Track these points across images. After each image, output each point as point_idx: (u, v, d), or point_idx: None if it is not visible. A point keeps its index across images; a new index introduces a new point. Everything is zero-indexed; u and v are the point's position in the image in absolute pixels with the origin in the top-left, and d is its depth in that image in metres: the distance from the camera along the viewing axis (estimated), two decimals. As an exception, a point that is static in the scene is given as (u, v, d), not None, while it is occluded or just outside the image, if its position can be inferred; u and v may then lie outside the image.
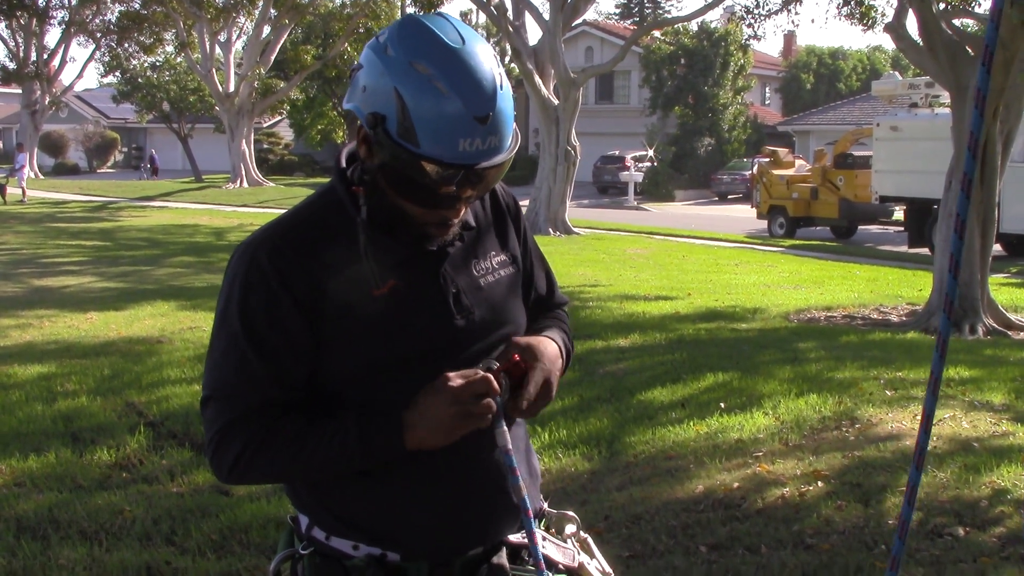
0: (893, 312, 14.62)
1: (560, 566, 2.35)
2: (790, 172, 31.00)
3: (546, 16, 26.84)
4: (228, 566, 5.14)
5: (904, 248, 25.63)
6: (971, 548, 5.30)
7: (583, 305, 14.27)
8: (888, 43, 68.89)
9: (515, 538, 2.32)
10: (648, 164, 48.21)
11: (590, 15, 51.66)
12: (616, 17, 67.87)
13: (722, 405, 8.26)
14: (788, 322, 13.53)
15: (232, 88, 44.94)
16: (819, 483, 6.27)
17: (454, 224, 2.19)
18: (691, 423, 7.68)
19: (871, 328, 13.24)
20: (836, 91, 62.20)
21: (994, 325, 13.09)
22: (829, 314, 14.35)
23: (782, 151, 33.70)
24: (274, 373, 2.12)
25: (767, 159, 32.39)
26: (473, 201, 2.20)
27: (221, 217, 32.49)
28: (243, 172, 45.89)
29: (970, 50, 13.65)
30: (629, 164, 46.78)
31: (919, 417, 7.75)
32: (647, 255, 22.53)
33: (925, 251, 23.86)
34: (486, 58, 2.04)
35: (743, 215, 34.93)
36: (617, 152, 49.63)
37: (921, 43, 14.14)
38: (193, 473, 6.61)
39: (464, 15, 64.85)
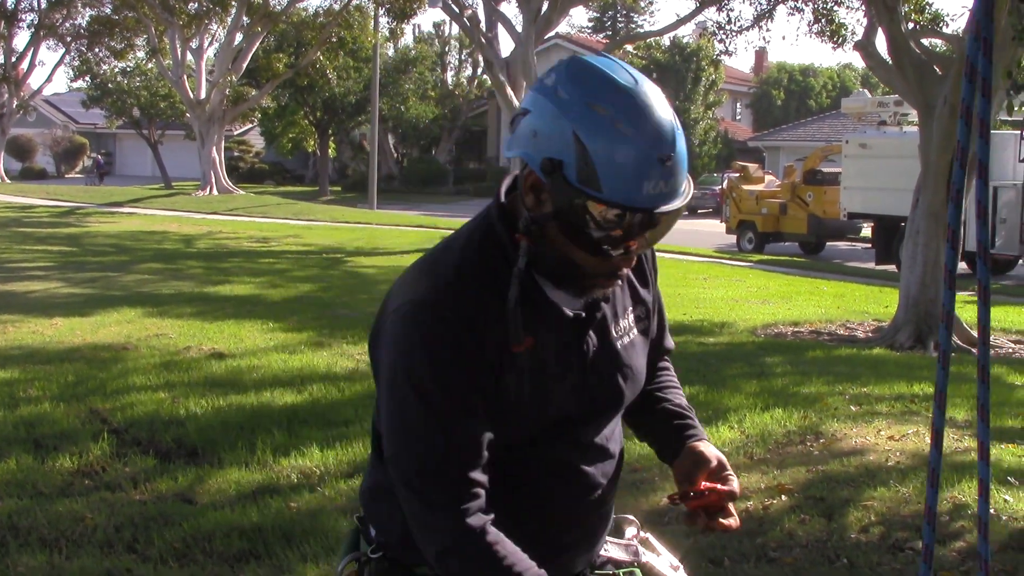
0: (859, 328, 14.71)
1: (630, 562, 2.42)
2: (760, 187, 31.16)
3: (519, 28, 26.88)
4: (190, 575, 5.11)
5: (871, 265, 25.80)
6: (933, 563, 5.32)
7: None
8: (858, 61, 69.32)
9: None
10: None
11: (563, 28, 51.81)
12: (589, 31, 68.08)
13: (688, 418, 8.26)
14: (755, 337, 13.59)
15: (203, 95, 44.73)
16: (783, 497, 6.30)
17: (624, 275, 2.12)
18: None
19: (837, 344, 13.32)
20: (806, 108, 62.61)
21: (958, 342, 13.19)
22: (796, 329, 14.43)
23: (752, 166, 33.88)
24: (479, 430, 2.03)
25: (737, 174, 32.57)
26: (645, 250, 2.14)
27: (190, 224, 32.33)
28: (213, 179, 45.65)
29: (938, 69, 13.78)
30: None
31: (883, 432, 7.81)
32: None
33: (892, 268, 24.01)
34: (661, 98, 1.96)
35: (712, 230, 35.06)
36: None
37: (890, 61, 14.27)
38: (156, 481, 6.57)
39: (437, 26, 65.03)
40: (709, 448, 2.32)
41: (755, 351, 12.27)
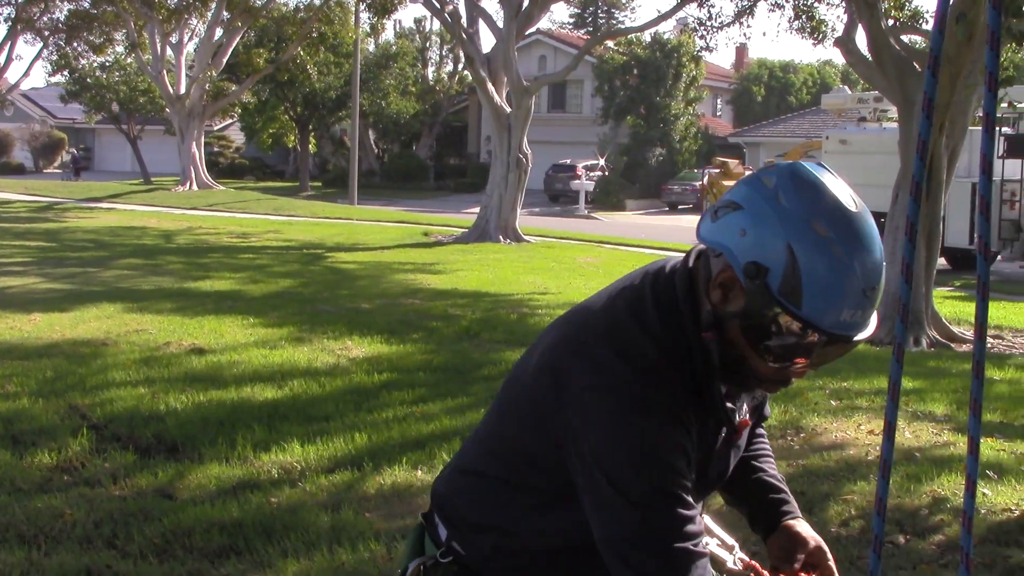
0: (839, 323, 14.74)
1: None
2: (740, 183, 31.23)
3: (500, 24, 26.86)
4: (170, 570, 5.09)
5: (851, 260, 25.86)
6: (911, 556, 5.36)
7: (532, 312, 14.29)
8: (838, 58, 69.56)
9: None
10: (599, 173, 48.41)
11: (544, 24, 51.96)
12: (570, 27, 68.11)
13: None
14: (736, 332, 13.60)
15: (183, 90, 44.55)
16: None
17: (791, 385, 2.12)
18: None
19: (817, 339, 13.33)
20: (787, 104, 62.75)
21: (938, 337, 13.25)
22: (776, 324, 14.44)
23: (732, 162, 33.99)
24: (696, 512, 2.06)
25: (717, 170, 32.66)
26: (817, 368, 2.11)
27: (170, 220, 32.21)
28: (193, 175, 45.47)
29: (917, 66, 13.83)
30: (580, 173, 46.91)
31: (863, 427, 7.84)
32: (597, 264, 22.58)
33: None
34: (875, 230, 1.94)
35: (693, 225, 34.97)
36: (569, 161, 49.76)
37: (870, 58, 14.32)
38: (136, 476, 6.53)
39: (419, 22, 64.88)
40: (807, 529, 2.36)
41: (736, 346, 12.28)
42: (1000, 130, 22.30)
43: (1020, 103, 20.03)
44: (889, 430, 1.94)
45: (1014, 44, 12.27)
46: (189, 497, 6.15)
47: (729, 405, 2.15)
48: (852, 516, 5.95)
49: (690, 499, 2.02)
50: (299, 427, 7.62)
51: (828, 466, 6.87)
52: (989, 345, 13.25)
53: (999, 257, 23.69)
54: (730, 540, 2.47)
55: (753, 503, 2.43)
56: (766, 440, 2.54)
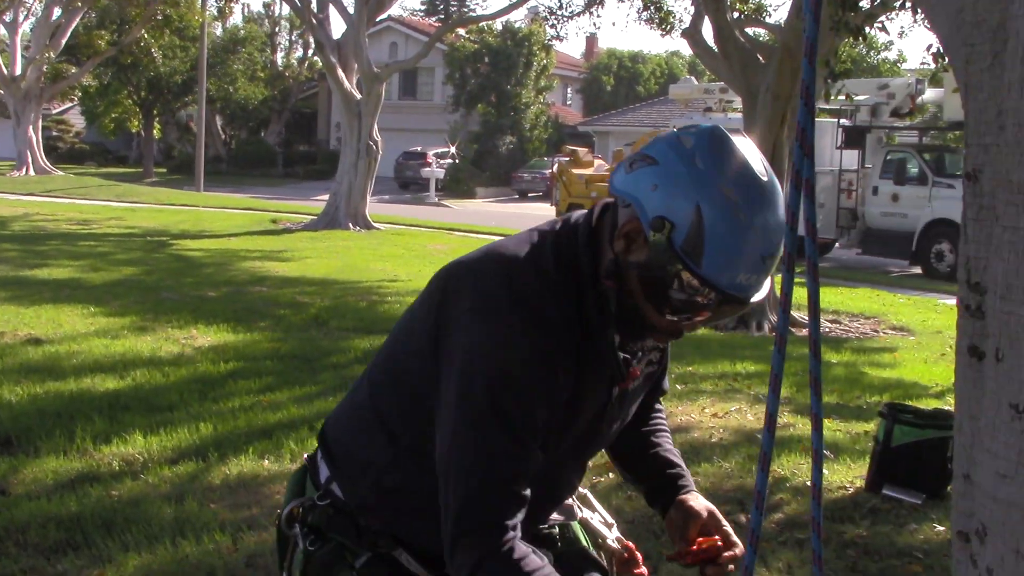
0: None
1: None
2: (589, 171, 31.54)
3: (351, 10, 26.60)
4: (3, 568, 4.90)
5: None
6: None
7: (381, 300, 14.21)
8: (686, 49, 71.04)
9: None
10: (450, 161, 48.38)
11: (395, 11, 51.57)
12: (421, 14, 67.90)
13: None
14: (585, 318, 13.76)
15: (19, 71, 42.99)
16: (610, 475, 6.39)
17: (681, 337, 2.17)
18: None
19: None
20: (635, 94, 63.67)
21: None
22: (624, 311, 14.66)
23: (582, 151, 34.26)
24: (537, 454, 2.07)
25: (567, 158, 32.88)
26: (709, 324, 2.19)
27: (5, 206, 31.03)
28: (30, 159, 43.91)
29: (761, 58, 14.16)
30: (431, 160, 46.84)
31: (707, 410, 8.01)
32: (447, 251, 22.57)
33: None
34: (780, 197, 2.01)
35: (543, 213, 35.35)
36: (419, 148, 49.64)
37: (716, 49, 14.61)
38: (-33, 471, 6.28)
39: (267, 6, 63.95)
40: (700, 501, 2.40)
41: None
42: (838, 122, 23.03)
43: (857, 96, 20.69)
44: (770, 421, 1.99)
45: (851, 38, 12.65)
46: (24, 492, 5.93)
47: (625, 356, 2.19)
48: (697, 497, 6.06)
49: (530, 441, 2.03)
50: (142, 418, 7.42)
51: (674, 449, 6.99)
52: (827, 329, 13.68)
53: (837, 244, 24.47)
54: (610, 518, 2.54)
55: (651, 480, 2.48)
56: (663, 416, 2.59)
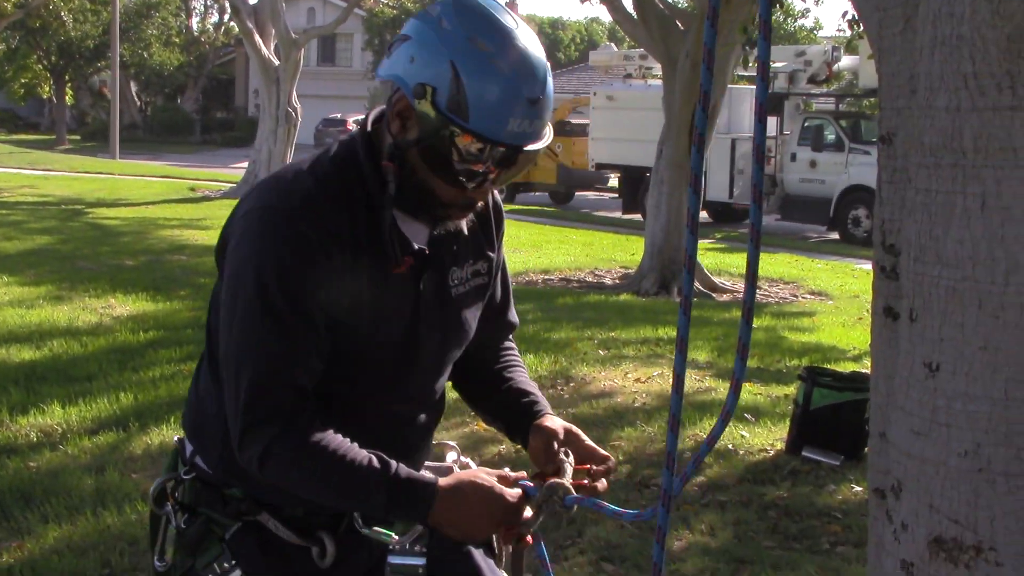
0: (607, 275, 15.15)
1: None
2: (511, 138, 31.55)
3: (267, -27, 26.22)
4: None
5: (618, 214, 26.56)
6: (674, 497, 5.56)
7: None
8: (605, 15, 71.08)
9: None
10: (371, 128, 48.10)
11: (313, -25, 50.96)
12: (339, -22, 67.18)
13: (442, 366, 8.35)
14: (507, 285, 13.79)
15: (-75, 36, 41.87)
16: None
17: (477, 208, 2.19)
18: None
19: (586, 291, 13.68)
20: (555, 60, 63.68)
21: (700, 288, 13.75)
22: (547, 277, 14.74)
23: (503, 118, 34.24)
24: (314, 341, 2.07)
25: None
26: (500, 186, 2.17)
27: (-87, 174, 30.30)
28: (-62, 127, 42.93)
29: (680, 24, 14.23)
30: (351, 127, 46.43)
31: (630, 375, 8.09)
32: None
33: (638, 217, 24.81)
34: (536, 43, 2.04)
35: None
36: (339, 115, 49.21)
37: (635, 16, 14.64)
38: None
39: (181, -31, 62.68)
40: (555, 421, 2.36)
41: (507, 299, 12.46)
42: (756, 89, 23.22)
43: (775, 64, 20.89)
44: (678, 382, 2.00)
45: (776, 6, 12.75)
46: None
47: (418, 247, 2.17)
48: (620, 461, 6.13)
49: (304, 332, 2.05)
50: (60, 388, 7.31)
51: (597, 414, 7.06)
52: (747, 294, 13.85)
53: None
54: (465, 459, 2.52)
55: (506, 413, 2.45)
56: (516, 352, 2.57)
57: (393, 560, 2.26)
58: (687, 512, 5.32)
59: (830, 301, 13.56)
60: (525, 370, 2.55)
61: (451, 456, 2.52)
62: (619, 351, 9.11)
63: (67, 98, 55.47)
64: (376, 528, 2.19)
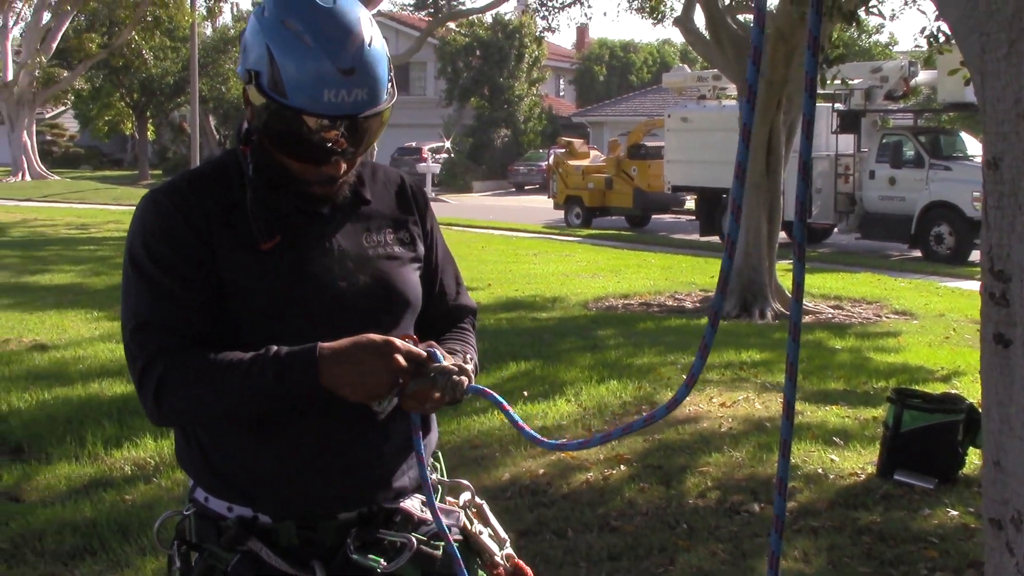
0: (687, 299, 15.06)
1: (452, 528, 2.38)
2: (585, 163, 31.55)
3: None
4: (22, 575, 4.92)
5: (696, 236, 26.41)
6: (766, 522, 5.50)
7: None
8: (677, 37, 70.95)
9: (396, 505, 2.35)
10: (445, 155, 48.37)
11: (385, 6, 51.56)
12: (411, 9, 67.67)
13: (525, 393, 8.36)
14: (587, 310, 13.78)
15: (10, 76, 42.92)
16: (622, 467, 6.41)
17: (338, 183, 2.27)
18: (495, 412, 7.71)
19: (667, 315, 13.61)
20: (628, 83, 63.65)
21: (781, 309, 13.63)
22: (626, 301, 14.68)
23: (577, 142, 34.29)
24: (187, 298, 2.18)
25: (562, 150, 32.91)
26: (352, 158, 2.24)
27: (2, 212, 30.97)
28: (25, 165, 43.89)
29: (755, 44, 14.14)
30: (426, 155, 46.76)
31: (715, 399, 8.03)
32: (447, 246, 22.57)
33: (716, 239, 24.66)
34: (356, 18, 2.16)
35: (540, 205, 35.39)
36: (414, 143, 49.59)
37: (708, 37, 14.60)
38: (-20, 480, 6.29)
39: (256, 4, 63.65)
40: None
41: (588, 324, 12.45)
42: (832, 107, 22.98)
43: (852, 80, 20.67)
44: (788, 409, 1.99)
45: (844, 23, 12.63)
46: (38, 499, 5.96)
47: (313, 213, 2.28)
48: (709, 487, 6.09)
49: (174, 291, 2.18)
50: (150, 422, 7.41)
51: (683, 439, 7.01)
52: (830, 315, 13.70)
53: (836, 229, 24.47)
54: (503, 534, 2.50)
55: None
56: (470, 332, 2.58)
57: None
58: (780, 538, 5.25)
59: (915, 320, 13.34)
60: (470, 342, 2.53)
61: (465, 496, 2.51)
62: (703, 375, 9.00)
63: (149, 134, 56.49)
64: (371, 556, 2.24)
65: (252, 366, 2.11)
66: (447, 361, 2.20)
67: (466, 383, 2.19)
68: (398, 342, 2.13)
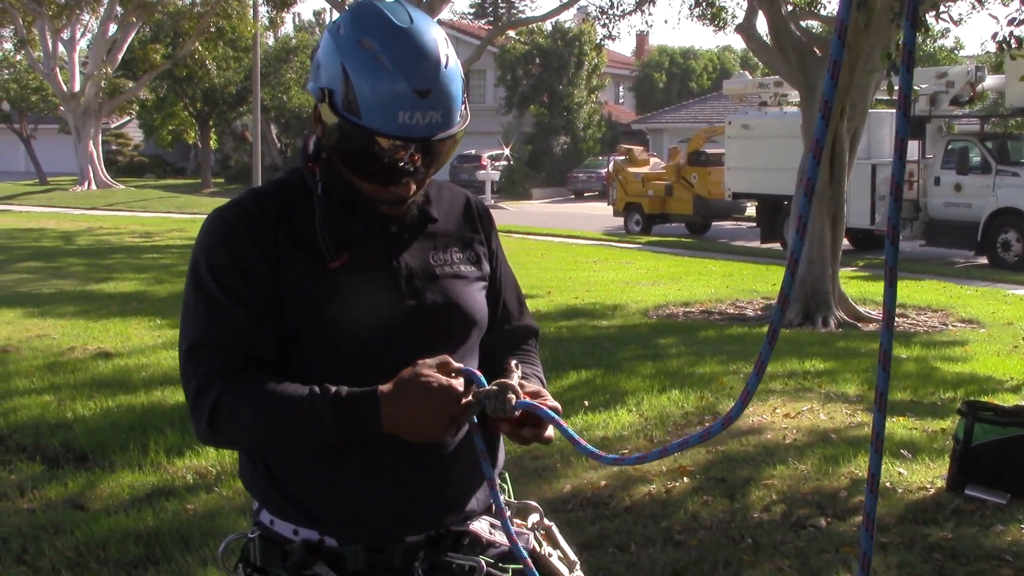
0: (749, 307, 14.91)
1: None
2: (645, 170, 31.41)
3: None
4: (85, 584, 4.95)
5: (757, 243, 26.19)
6: (833, 538, 5.40)
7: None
8: (737, 43, 70.47)
9: (465, 527, 2.32)
10: (505, 163, 48.36)
11: (445, 15, 51.59)
12: (471, 17, 67.98)
13: (586, 403, 8.29)
14: (648, 318, 13.69)
15: (77, 87, 43.58)
16: (685, 479, 6.33)
17: (408, 203, 2.24)
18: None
19: (728, 323, 13.48)
20: (688, 90, 63.32)
21: (845, 318, 13.45)
22: (687, 309, 14.57)
23: (637, 149, 34.14)
24: (248, 320, 2.16)
25: (622, 157, 32.77)
26: (423, 179, 2.23)
27: (69, 220, 31.49)
28: (91, 174, 44.54)
29: (818, 51, 14.01)
30: (486, 163, 46.79)
31: (779, 410, 7.91)
32: (506, 254, 22.54)
33: (777, 246, 24.43)
34: (432, 39, 2.13)
35: (600, 212, 35.27)
36: (474, 151, 49.62)
37: (771, 44, 14.46)
38: (44, 487, 6.34)
39: (318, 14, 64.33)
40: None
41: (648, 333, 12.35)
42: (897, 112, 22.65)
43: (918, 86, 20.40)
44: (877, 441, 1.90)
45: (919, 29, 12.45)
46: (102, 507, 5.99)
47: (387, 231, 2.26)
48: (774, 500, 5.98)
49: (234, 308, 2.16)
50: (213, 430, 7.45)
51: (747, 451, 6.91)
52: (895, 324, 13.48)
53: (902, 237, 24.13)
54: (573, 556, 2.46)
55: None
56: (534, 354, 2.57)
57: None
58: (847, 555, 5.15)
59: (982, 329, 13.10)
60: (535, 363, 2.52)
61: (533, 518, 2.47)
62: (766, 385, 8.92)
63: (211, 143, 57.09)
64: None
65: (311, 406, 2.08)
66: (513, 378, 2.18)
67: (513, 400, 2.15)
68: (460, 386, 2.10)
